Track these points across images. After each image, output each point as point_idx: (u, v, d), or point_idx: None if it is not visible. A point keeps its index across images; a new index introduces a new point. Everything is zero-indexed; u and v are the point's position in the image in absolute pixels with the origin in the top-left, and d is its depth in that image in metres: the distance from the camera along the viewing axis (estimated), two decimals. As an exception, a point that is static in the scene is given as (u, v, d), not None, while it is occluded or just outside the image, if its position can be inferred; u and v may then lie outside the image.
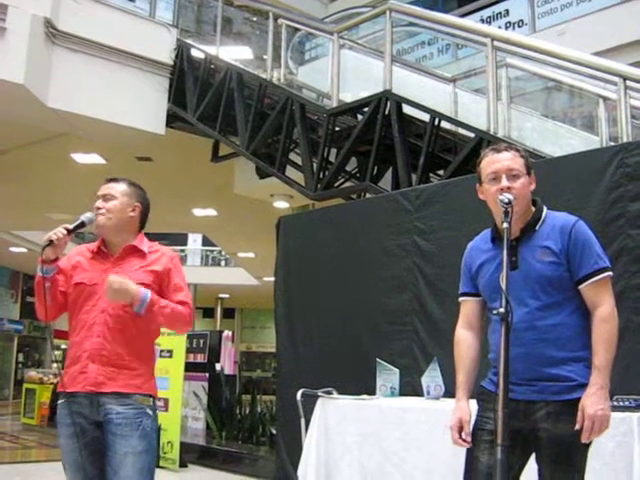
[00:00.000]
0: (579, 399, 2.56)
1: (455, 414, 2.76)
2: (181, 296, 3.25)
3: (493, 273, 2.72)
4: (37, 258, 3.15)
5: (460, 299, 2.96)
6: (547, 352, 2.62)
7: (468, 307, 2.92)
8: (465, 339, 2.88)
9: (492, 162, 2.78)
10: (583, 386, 2.57)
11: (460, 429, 2.72)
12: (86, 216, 3.29)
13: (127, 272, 3.20)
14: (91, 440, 3.14)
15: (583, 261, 2.65)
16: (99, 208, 3.27)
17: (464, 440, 2.72)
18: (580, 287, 2.66)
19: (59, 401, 3.23)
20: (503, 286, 2.46)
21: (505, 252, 2.53)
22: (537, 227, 2.74)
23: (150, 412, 3.18)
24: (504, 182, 2.71)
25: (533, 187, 2.80)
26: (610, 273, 2.69)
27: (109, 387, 3.12)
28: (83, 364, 3.14)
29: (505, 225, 2.59)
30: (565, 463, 2.58)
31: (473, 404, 2.80)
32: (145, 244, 3.34)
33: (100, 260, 3.30)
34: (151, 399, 3.22)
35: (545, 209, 2.81)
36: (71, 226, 3.21)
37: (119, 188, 3.32)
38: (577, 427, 2.51)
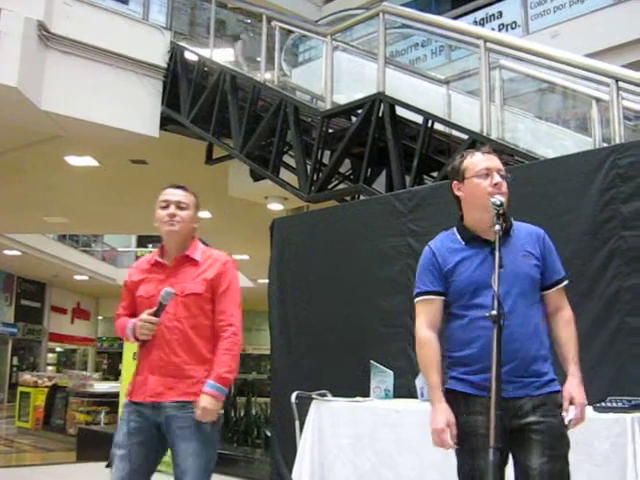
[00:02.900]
0: (555, 392, 2.71)
1: (441, 417, 2.71)
2: (227, 307, 3.38)
3: (476, 269, 2.77)
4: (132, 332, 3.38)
5: (424, 297, 2.91)
6: (534, 348, 2.72)
7: (434, 306, 2.88)
8: (431, 339, 2.85)
9: (484, 160, 2.87)
10: (554, 380, 2.74)
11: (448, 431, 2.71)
12: (163, 297, 3.29)
13: (182, 282, 3.35)
14: (148, 439, 3.33)
15: (555, 267, 2.86)
16: (174, 215, 3.40)
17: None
18: (549, 291, 2.84)
19: (125, 400, 3.44)
20: (495, 288, 2.48)
21: (497, 254, 2.58)
22: (511, 232, 2.84)
23: None
24: (497, 179, 2.80)
25: None
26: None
27: (169, 397, 3.28)
28: (144, 376, 3.33)
29: (497, 227, 2.63)
30: (555, 452, 2.63)
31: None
32: (199, 251, 3.47)
33: (157, 271, 3.44)
34: None
35: (511, 217, 2.90)
36: (155, 319, 3.30)
37: (191, 199, 3.49)
38: (564, 414, 2.65)
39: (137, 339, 3.38)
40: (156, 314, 3.29)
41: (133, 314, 3.45)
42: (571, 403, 2.66)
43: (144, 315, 3.31)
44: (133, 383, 3.40)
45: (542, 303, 2.83)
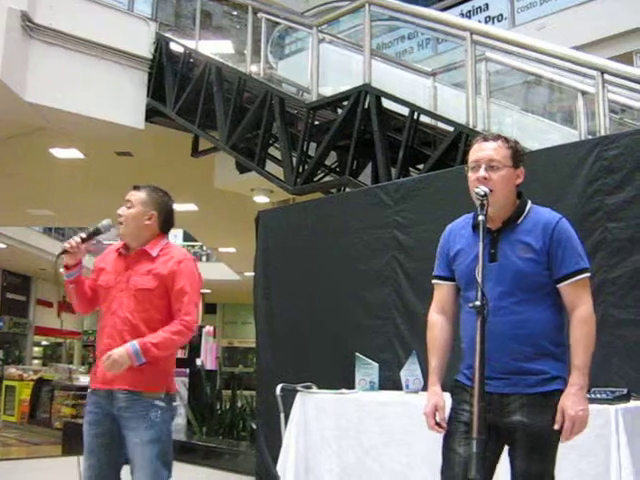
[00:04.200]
0: (552, 391, 2.60)
1: (430, 400, 2.76)
2: (182, 306, 3.41)
3: (470, 263, 2.70)
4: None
5: (434, 282, 2.95)
6: (519, 347, 2.64)
7: (442, 291, 2.91)
8: (438, 323, 2.87)
9: (476, 150, 2.79)
10: (556, 378, 2.62)
11: (435, 415, 2.74)
12: (102, 224, 3.59)
13: (135, 276, 3.43)
14: (105, 431, 3.39)
15: (564, 260, 2.67)
16: (120, 215, 3.51)
17: (439, 425, 2.73)
18: (559, 286, 2.68)
19: (88, 390, 3.54)
20: (479, 279, 2.46)
21: (481, 245, 2.54)
22: (519, 221, 2.74)
23: (160, 403, 3.36)
24: (481, 172, 2.71)
25: (520, 181, 2.80)
26: (590, 274, 2.72)
27: (117, 384, 3.35)
28: (97, 363, 3.42)
29: (481, 218, 2.59)
30: (540, 453, 2.60)
31: (447, 397, 2.81)
32: (157, 248, 3.52)
33: (118, 262, 3.54)
34: (162, 394, 3.39)
35: (529, 203, 2.80)
36: (85, 235, 3.49)
37: (138, 196, 3.54)
38: (556, 427, 2.54)
39: (67, 267, 3.48)
40: (88, 236, 3.49)
41: (93, 290, 3.59)
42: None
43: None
44: (92, 371, 3.55)
45: (559, 298, 2.69)
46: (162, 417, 3.35)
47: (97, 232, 3.59)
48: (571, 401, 2.54)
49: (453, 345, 2.87)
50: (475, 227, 2.75)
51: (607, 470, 3.44)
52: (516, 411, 2.62)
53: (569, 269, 2.67)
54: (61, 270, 3.51)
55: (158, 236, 3.56)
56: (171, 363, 3.54)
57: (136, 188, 3.57)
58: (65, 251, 3.45)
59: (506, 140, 2.79)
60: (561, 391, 2.61)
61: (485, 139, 2.80)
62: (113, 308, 3.43)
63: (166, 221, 3.60)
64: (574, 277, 2.67)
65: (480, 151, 2.76)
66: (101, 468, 3.39)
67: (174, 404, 3.47)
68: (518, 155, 2.80)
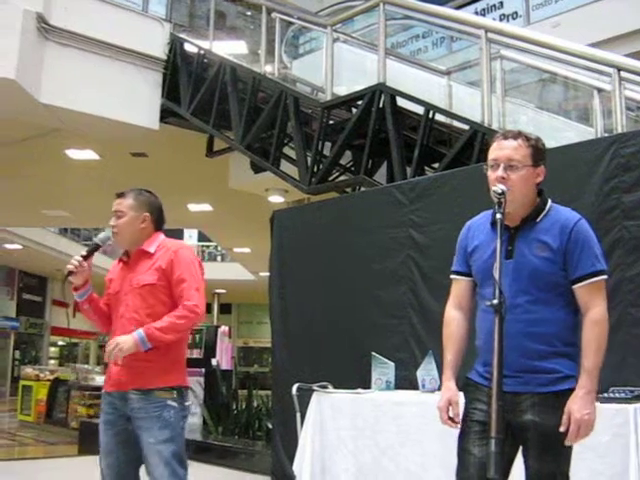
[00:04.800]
0: (564, 390, 2.58)
1: (444, 395, 2.77)
2: (183, 292, 3.42)
3: (488, 259, 2.68)
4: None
5: (452, 277, 2.94)
6: (532, 346, 2.62)
7: (459, 287, 2.90)
8: (454, 318, 2.86)
9: (495, 149, 2.76)
10: (569, 377, 2.60)
11: (449, 410, 2.74)
12: (99, 238, 3.64)
13: (138, 275, 3.47)
14: (121, 430, 3.43)
15: (580, 262, 2.64)
16: (113, 226, 3.55)
17: (453, 420, 2.73)
18: (574, 287, 2.66)
19: (102, 391, 3.60)
20: (496, 276, 2.44)
21: (499, 242, 2.52)
22: (538, 219, 2.72)
23: (173, 403, 3.39)
24: (500, 172, 2.69)
25: (540, 179, 2.77)
26: (605, 277, 2.68)
27: (129, 385, 3.39)
28: (109, 367, 3.48)
29: (498, 216, 2.57)
30: (552, 453, 2.58)
31: (461, 395, 2.80)
32: (154, 244, 3.56)
33: (123, 269, 3.60)
34: (174, 391, 3.42)
35: (549, 202, 2.78)
36: (85, 252, 3.55)
37: (126, 203, 3.56)
38: (562, 429, 2.52)
39: (76, 289, 3.53)
40: (88, 253, 3.53)
41: (109, 305, 3.64)
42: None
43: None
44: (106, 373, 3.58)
45: (573, 298, 2.66)
46: (175, 416, 3.39)
47: (96, 247, 3.64)
48: (578, 404, 2.52)
49: (469, 341, 2.86)
50: (493, 224, 2.73)
51: (625, 470, 3.42)
52: (527, 410, 2.60)
53: (585, 271, 2.63)
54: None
55: (153, 234, 3.60)
56: (181, 357, 3.56)
57: (120, 195, 3.59)
58: (70, 272, 3.48)
59: (527, 138, 2.74)
60: (573, 390, 2.58)
61: (505, 137, 2.75)
62: (121, 311, 3.48)
63: (159, 219, 3.65)
64: (589, 279, 2.63)
65: (499, 150, 2.73)
66: (120, 467, 3.44)
67: (186, 403, 3.49)
68: (539, 153, 2.76)
